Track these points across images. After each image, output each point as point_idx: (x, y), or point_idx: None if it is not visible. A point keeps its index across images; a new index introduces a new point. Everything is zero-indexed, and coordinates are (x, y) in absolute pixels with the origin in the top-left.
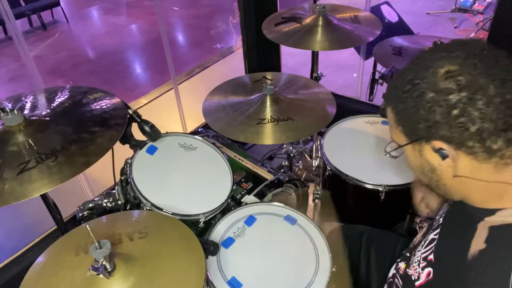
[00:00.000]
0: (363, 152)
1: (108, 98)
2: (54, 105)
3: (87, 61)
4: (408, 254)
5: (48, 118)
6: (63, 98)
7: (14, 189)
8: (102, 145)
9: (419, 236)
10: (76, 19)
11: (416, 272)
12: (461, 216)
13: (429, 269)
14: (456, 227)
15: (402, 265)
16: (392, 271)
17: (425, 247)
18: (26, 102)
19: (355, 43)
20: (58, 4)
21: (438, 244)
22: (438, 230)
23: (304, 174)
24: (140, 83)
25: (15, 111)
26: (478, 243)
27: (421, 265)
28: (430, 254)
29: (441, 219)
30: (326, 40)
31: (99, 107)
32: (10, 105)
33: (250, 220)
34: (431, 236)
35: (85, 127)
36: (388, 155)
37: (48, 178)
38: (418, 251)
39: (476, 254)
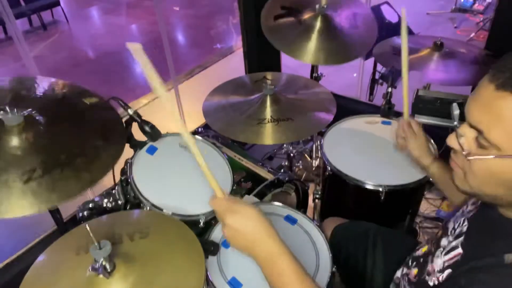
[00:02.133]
0: (363, 152)
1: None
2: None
3: (87, 61)
4: (421, 260)
5: (47, 124)
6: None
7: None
8: (106, 161)
9: (432, 243)
10: (76, 19)
11: (436, 277)
12: (493, 229)
13: (448, 270)
14: (487, 237)
15: (414, 271)
16: (402, 271)
17: (446, 254)
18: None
19: (354, 55)
20: (58, 4)
21: (465, 251)
22: (461, 239)
23: (304, 174)
24: (140, 83)
25: (15, 111)
26: None
27: (446, 272)
28: (454, 258)
29: (464, 228)
30: (322, 50)
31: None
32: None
33: None
34: (453, 243)
35: (79, 150)
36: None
37: (27, 201)
38: (437, 257)
39: None
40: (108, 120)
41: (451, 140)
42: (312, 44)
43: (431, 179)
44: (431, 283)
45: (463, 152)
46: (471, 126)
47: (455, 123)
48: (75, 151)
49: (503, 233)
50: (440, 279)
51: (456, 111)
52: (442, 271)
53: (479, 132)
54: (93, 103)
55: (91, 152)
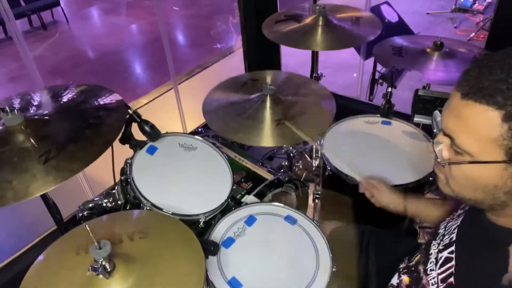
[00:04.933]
0: (363, 152)
1: (106, 94)
2: (54, 104)
3: (87, 61)
4: (413, 269)
5: (47, 118)
6: (66, 98)
7: (18, 189)
8: (113, 124)
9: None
10: (76, 19)
11: None
12: (482, 236)
13: None
14: (478, 248)
15: (405, 278)
16: (396, 280)
17: (440, 266)
18: (30, 100)
19: (355, 43)
20: (58, 4)
21: (459, 266)
22: (452, 248)
23: (304, 174)
24: (140, 83)
25: (15, 111)
26: None
27: (440, 287)
28: (449, 277)
29: (453, 236)
30: (326, 40)
31: (97, 103)
32: (18, 102)
33: (250, 220)
34: (445, 254)
35: (85, 124)
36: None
37: (52, 175)
38: (432, 270)
39: None
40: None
41: (431, 147)
42: (316, 35)
43: (412, 217)
44: None
45: (437, 160)
46: (445, 134)
47: (435, 130)
48: (82, 125)
49: (494, 243)
50: None
51: (438, 119)
52: (438, 286)
53: (451, 139)
54: (83, 90)
55: (96, 122)
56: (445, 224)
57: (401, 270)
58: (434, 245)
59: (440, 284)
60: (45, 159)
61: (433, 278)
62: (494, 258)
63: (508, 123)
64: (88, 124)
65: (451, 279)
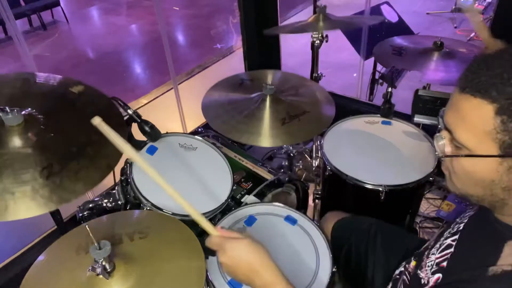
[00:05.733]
0: (363, 152)
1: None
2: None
3: (87, 61)
4: (420, 254)
5: (47, 119)
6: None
7: (19, 204)
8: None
9: (434, 236)
10: (76, 19)
11: (427, 276)
12: (487, 230)
13: (439, 275)
14: (479, 239)
15: (412, 262)
16: (401, 268)
17: (441, 251)
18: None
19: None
20: (58, 4)
21: (455, 253)
22: (456, 237)
23: (304, 174)
24: (140, 83)
25: (15, 111)
26: (505, 262)
27: (433, 269)
28: (443, 261)
29: (461, 225)
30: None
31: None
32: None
33: (250, 220)
34: (449, 241)
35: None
36: (441, 157)
37: (56, 195)
38: (433, 254)
39: (499, 272)
40: (101, 104)
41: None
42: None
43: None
44: (422, 281)
45: (436, 153)
46: (446, 129)
47: (439, 126)
48: (83, 140)
49: (494, 238)
50: (430, 281)
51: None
52: (431, 268)
53: (451, 133)
54: (81, 91)
55: (98, 138)
56: (463, 214)
57: (410, 259)
58: (446, 233)
59: (434, 266)
60: (48, 174)
61: (431, 261)
62: (488, 250)
63: (501, 116)
64: (89, 140)
65: (444, 263)
